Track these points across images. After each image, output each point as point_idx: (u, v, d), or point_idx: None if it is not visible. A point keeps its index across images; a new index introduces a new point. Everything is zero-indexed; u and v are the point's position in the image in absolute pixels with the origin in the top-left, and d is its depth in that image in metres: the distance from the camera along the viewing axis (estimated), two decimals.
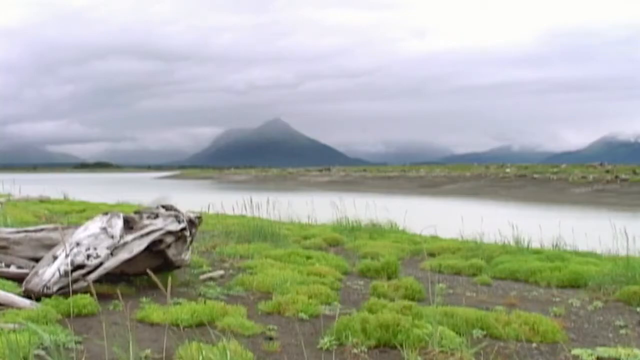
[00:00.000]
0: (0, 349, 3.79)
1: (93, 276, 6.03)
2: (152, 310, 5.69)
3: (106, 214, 7.10)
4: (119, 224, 6.79)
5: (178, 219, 7.41)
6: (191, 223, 7.67)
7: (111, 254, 6.37)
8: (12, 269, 6.64)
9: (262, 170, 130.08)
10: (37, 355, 4.04)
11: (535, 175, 61.10)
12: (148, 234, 6.91)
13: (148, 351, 4.51)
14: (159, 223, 7.14)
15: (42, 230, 7.23)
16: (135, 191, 30.37)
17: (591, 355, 5.03)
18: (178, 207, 7.80)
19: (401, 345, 4.71)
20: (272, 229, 11.66)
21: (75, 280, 5.85)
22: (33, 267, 6.38)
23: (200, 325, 5.33)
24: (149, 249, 6.86)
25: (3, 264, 6.75)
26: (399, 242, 12.51)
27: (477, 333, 5.58)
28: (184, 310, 5.60)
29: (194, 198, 21.66)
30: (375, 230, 14.22)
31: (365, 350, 4.89)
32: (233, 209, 13.62)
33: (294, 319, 5.91)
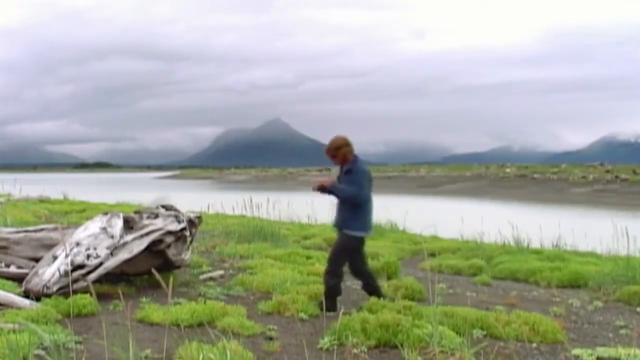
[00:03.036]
0: (0, 349, 3.79)
1: (93, 276, 6.03)
2: (152, 310, 5.69)
3: (106, 214, 7.10)
4: (119, 224, 6.79)
5: (178, 219, 7.41)
6: (191, 223, 7.67)
7: (111, 254, 6.37)
8: (12, 269, 6.64)
9: (262, 170, 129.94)
10: (37, 355, 4.04)
11: (535, 175, 61.06)
12: (148, 234, 6.91)
13: (148, 351, 4.51)
14: (159, 223, 7.14)
15: (42, 230, 7.22)
16: (135, 191, 30.35)
17: (591, 355, 5.03)
18: (178, 207, 7.79)
19: (401, 345, 4.72)
20: (272, 229, 11.65)
21: (75, 280, 5.85)
22: (33, 267, 6.38)
23: (200, 325, 5.33)
24: (149, 249, 6.86)
25: (3, 264, 6.75)
26: (399, 242, 12.50)
27: (477, 333, 5.58)
28: (184, 310, 5.60)
29: (194, 198, 21.67)
30: (375, 230, 14.20)
31: (365, 350, 4.90)
32: (233, 209, 13.61)
33: (294, 319, 5.91)
